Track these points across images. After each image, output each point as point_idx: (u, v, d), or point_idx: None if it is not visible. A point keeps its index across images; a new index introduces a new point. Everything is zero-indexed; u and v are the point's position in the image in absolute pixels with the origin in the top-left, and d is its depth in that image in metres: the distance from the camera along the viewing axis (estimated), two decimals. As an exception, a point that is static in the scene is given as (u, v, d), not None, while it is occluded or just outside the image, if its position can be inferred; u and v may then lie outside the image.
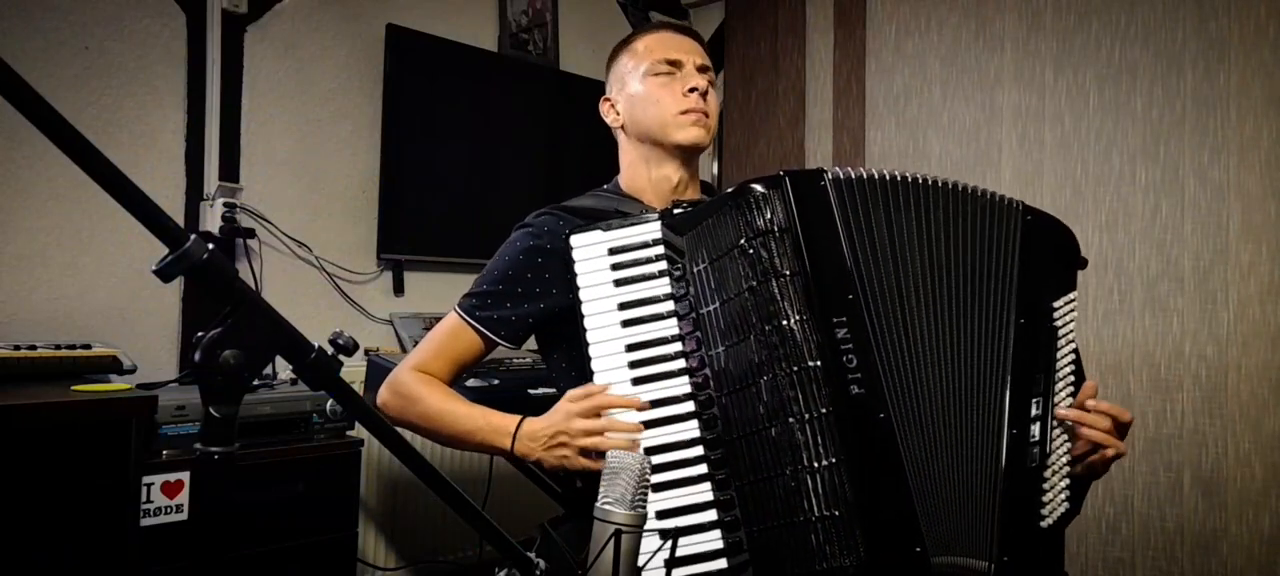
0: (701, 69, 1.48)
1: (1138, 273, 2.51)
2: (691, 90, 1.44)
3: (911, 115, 3.00)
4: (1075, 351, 1.31)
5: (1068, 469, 1.26)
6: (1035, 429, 1.23)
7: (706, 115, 1.46)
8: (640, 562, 0.96)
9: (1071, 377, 1.29)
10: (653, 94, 1.46)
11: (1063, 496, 1.25)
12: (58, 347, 1.89)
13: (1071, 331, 1.29)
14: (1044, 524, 1.22)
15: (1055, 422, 1.25)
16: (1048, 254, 1.30)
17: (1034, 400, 1.24)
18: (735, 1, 3.47)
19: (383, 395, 1.41)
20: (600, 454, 1.17)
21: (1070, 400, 1.28)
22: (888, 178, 1.25)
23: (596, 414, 1.21)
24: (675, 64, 1.46)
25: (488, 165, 2.98)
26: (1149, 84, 2.53)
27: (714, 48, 3.57)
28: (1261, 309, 2.34)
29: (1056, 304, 1.29)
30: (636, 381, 1.22)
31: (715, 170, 3.53)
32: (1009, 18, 2.80)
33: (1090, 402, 1.28)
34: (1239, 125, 2.38)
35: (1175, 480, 2.43)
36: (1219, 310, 2.39)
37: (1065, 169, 2.67)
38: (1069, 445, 1.27)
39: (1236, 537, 2.35)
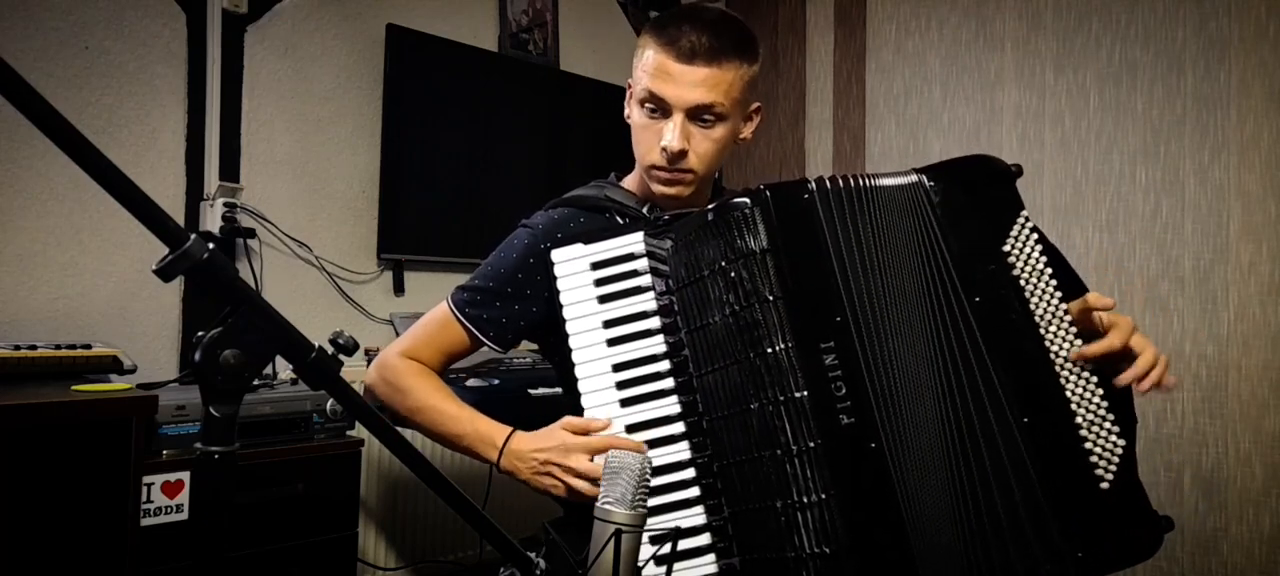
0: (696, 113, 1.27)
1: (1138, 272, 2.51)
2: (664, 151, 1.27)
3: (911, 115, 3.00)
4: (1055, 267, 1.14)
5: (1104, 405, 1.11)
6: (1050, 394, 1.10)
7: (685, 173, 1.29)
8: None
9: (1062, 310, 1.13)
10: (638, 130, 1.33)
11: (1113, 437, 1.10)
12: (58, 347, 1.89)
13: (1036, 257, 1.13)
14: (1104, 485, 1.08)
15: (1073, 369, 1.11)
16: (972, 198, 1.15)
17: (1034, 366, 1.11)
18: (735, 1, 3.47)
19: (371, 376, 1.37)
20: (593, 480, 1.14)
21: (1071, 336, 1.12)
22: (876, 185, 1.15)
23: (596, 450, 1.16)
24: (661, 104, 1.27)
25: (488, 165, 2.98)
26: (1149, 84, 2.53)
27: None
28: (1262, 309, 2.34)
29: (1006, 246, 1.14)
30: (624, 402, 1.17)
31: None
32: (1009, 18, 2.80)
33: (1097, 317, 1.14)
34: (1239, 125, 2.38)
35: (1175, 480, 2.43)
36: (1219, 310, 2.39)
37: (1065, 169, 2.66)
38: (1096, 380, 1.12)
39: (1236, 537, 2.35)
